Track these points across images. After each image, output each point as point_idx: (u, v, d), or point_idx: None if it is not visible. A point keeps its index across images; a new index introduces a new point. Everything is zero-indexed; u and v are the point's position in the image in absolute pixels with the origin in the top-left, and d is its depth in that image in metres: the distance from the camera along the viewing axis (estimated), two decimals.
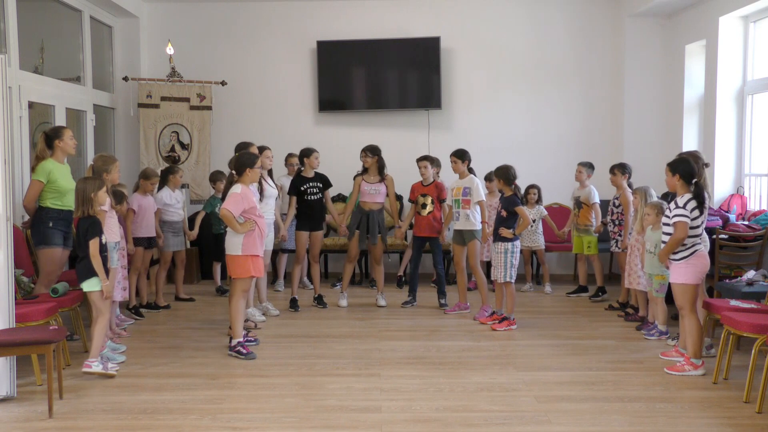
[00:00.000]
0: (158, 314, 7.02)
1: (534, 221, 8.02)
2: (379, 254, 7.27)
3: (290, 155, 7.88)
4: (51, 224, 5.60)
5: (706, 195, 5.10)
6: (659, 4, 8.05)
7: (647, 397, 4.60)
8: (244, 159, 5.55)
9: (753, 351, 4.56)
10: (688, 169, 5.07)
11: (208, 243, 8.15)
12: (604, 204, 7.53)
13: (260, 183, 6.29)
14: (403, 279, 8.33)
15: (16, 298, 4.89)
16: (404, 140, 8.91)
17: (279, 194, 7.04)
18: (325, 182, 7.15)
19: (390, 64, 8.99)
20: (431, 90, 8.89)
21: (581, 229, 7.57)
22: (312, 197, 7.05)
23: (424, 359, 5.45)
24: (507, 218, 6.38)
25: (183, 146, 8.74)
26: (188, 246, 8.43)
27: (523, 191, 8.15)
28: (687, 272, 5.04)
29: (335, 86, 9.02)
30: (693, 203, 4.98)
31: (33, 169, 5.66)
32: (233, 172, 5.68)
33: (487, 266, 7.64)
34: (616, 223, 7.07)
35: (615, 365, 5.29)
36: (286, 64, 9.11)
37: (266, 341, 5.94)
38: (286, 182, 7.49)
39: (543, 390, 4.72)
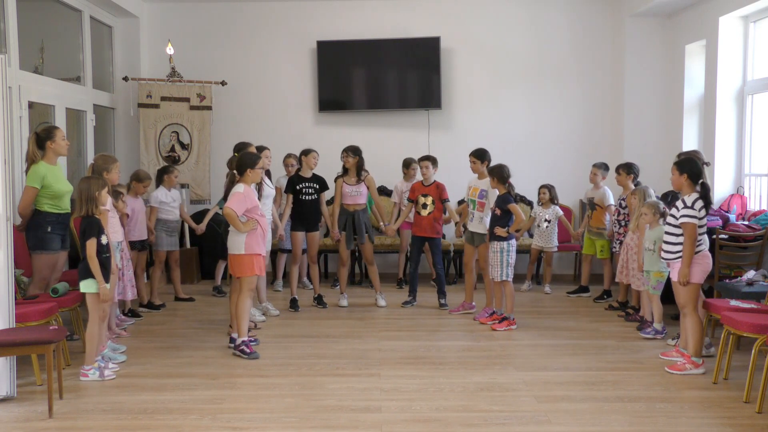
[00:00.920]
0: (158, 314, 7.02)
1: (549, 222, 7.99)
2: (370, 254, 7.26)
3: (288, 156, 7.86)
4: (50, 229, 5.56)
5: (711, 196, 5.11)
6: (659, 4, 8.05)
7: (647, 397, 4.60)
8: (246, 159, 5.57)
9: (753, 351, 4.56)
10: (695, 169, 5.07)
11: (209, 242, 8.13)
12: None
13: (258, 183, 6.29)
14: (404, 280, 8.33)
15: (16, 298, 4.88)
16: (404, 140, 8.91)
17: (276, 194, 7.04)
18: (321, 184, 7.14)
19: (390, 64, 8.99)
20: (431, 90, 8.89)
21: (593, 231, 7.52)
22: (307, 197, 7.04)
23: (424, 359, 5.45)
24: (501, 217, 6.39)
25: (183, 146, 8.74)
26: (188, 246, 8.44)
27: (523, 192, 8.19)
28: (692, 271, 5.04)
29: (335, 86, 9.02)
30: (701, 203, 5.00)
31: (26, 173, 5.55)
32: (234, 172, 5.70)
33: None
34: (622, 224, 6.99)
35: (615, 365, 5.29)
36: (286, 64, 9.11)
37: (266, 341, 5.94)
38: (284, 182, 7.48)
39: (543, 390, 4.72)
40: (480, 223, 6.76)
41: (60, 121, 7.28)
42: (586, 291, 7.82)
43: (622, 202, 7.04)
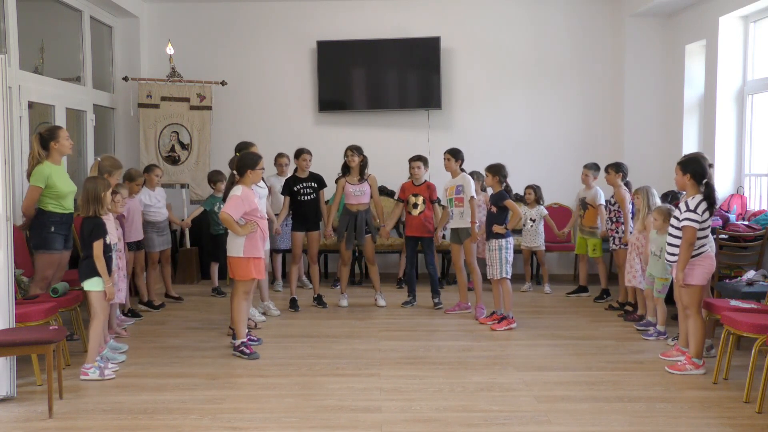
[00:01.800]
0: (158, 314, 7.02)
1: (534, 221, 8.03)
2: (371, 254, 7.26)
3: (281, 155, 7.74)
4: (53, 229, 5.56)
5: (716, 196, 5.07)
6: (659, 4, 8.05)
7: (647, 397, 4.59)
8: (246, 160, 5.51)
9: (753, 351, 4.56)
10: (699, 169, 5.01)
11: (209, 242, 8.14)
12: None
13: None
14: (403, 279, 8.33)
15: (16, 298, 4.88)
16: (404, 140, 8.90)
17: (269, 194, 7.03)
18: (319, 182, 7.14)
19: (390, 64, 8.99)
20: (431, 90, 8.89)
21: (586, 231, 7.56)
22: (305, 198, 7.04)
23: (424, 359, 5.45)
24: (497, 214, 6.39)
25: (183, 146, 8.74)
26: (188, 246, 8.45)
27: (522, 192, 8.20)
28: (695, 273, 5.02)
29: (335, 86, 9.01)
30: (704, 205, 4.94)
31: (29, 174, 5.54)
32: (234, 172, 5.67)
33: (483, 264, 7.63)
34: (614, 220, 7.11)
35: (615, 365, 5.29)
36: (286, 64, 9.11)
37: (266, 341, 5.93)
38: (276, 182, 7.46)
39: (543, 390, 4.72)
40: (461, 218, 6.79)
41: (60, 121, 7.28)
42: (585, 291, 7.83)
43: (612, 199, 7.15)
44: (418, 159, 7.18)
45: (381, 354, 5.58)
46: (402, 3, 9.02)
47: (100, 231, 4.88)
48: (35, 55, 7.50)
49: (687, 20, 8.19)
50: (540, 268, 8.32)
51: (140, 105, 8.66)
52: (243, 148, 6.16)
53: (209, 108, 8.75)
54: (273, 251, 7.88)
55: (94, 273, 4.90)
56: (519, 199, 8.23)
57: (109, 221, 5.60)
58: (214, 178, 7.87)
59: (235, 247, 5.43)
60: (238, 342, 5.52)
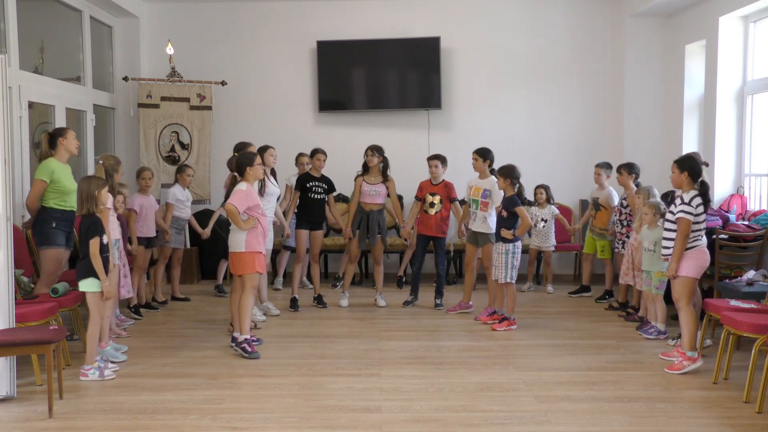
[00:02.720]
0: (158, 314, 7.03)
1: (546, 221, 8.00)
2: (379, 254, 7.28)
3: (302, 154, 7.76)
4: (54, 224, 5.60)
5: (711, 194, 5.15)
6: (659, 4, 8.05)
7: (647, 397, 4.60)
8: (243, 159, 5.65)
9: (753, 351, 4.56)
10: (696, 167, 5.13)
11: (210, 242, 8.12)
12: None
13: (262, 181, 6.31)
14: (404, 279, 8.33)
15: (16, 298, 4.88)
16: (404, 140, 8.91)
17: (282, 194, 7.06)
18: (329, 185, 7.19)
19: (390, 64, 8.99)
20: (431, 90, 8.89)
21: (596, 231, 7.50)
22: (316, 196, 7.10)
23: (424, 359, 5.45)
24: (508, 218, 6.37)
25: (183, 146, 8.74)
26: (188, 246, 8.43)
27: (532, 192, 8.16)
28: (688, 265, 5.08)
29: (335, 86, 9.01)
30: (699, 200, 5.06)
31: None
32: (235, 174, 5.75)
33: None
34: (624, 224, 6.96)
35: (615, 365, 5.30)
36: (286, 64, 9.11)
37: (266, 341, 5.93)
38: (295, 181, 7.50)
39: (543, 390, 4.72)
40: (484, 222, 6.75)
41: (60, 121, 7.28)
42: (588, 291, 7.82)
43: (624, 201, 7.03)
44: (436, 158, 7.13)
45: (381, 354, 5.58)
46: (402, 3, 9.02)
47: (97, 229, 4.88)
48: (35, 55, 7.50)
49: (687, 20, 8.19)
50: (543, 268, 8.30)
51: (140, 105, 8.66)
52: (241, 148, 6.27)
53: (209, 108, 8.75)
54: (283, 248, 7.94)
55: (90, 273, 4.89)
56: (529, 203, 8.19)
57: (113, 217, 5.63)
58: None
59: (238, 242, 5.51)
60: (241, 338, 5.53)
